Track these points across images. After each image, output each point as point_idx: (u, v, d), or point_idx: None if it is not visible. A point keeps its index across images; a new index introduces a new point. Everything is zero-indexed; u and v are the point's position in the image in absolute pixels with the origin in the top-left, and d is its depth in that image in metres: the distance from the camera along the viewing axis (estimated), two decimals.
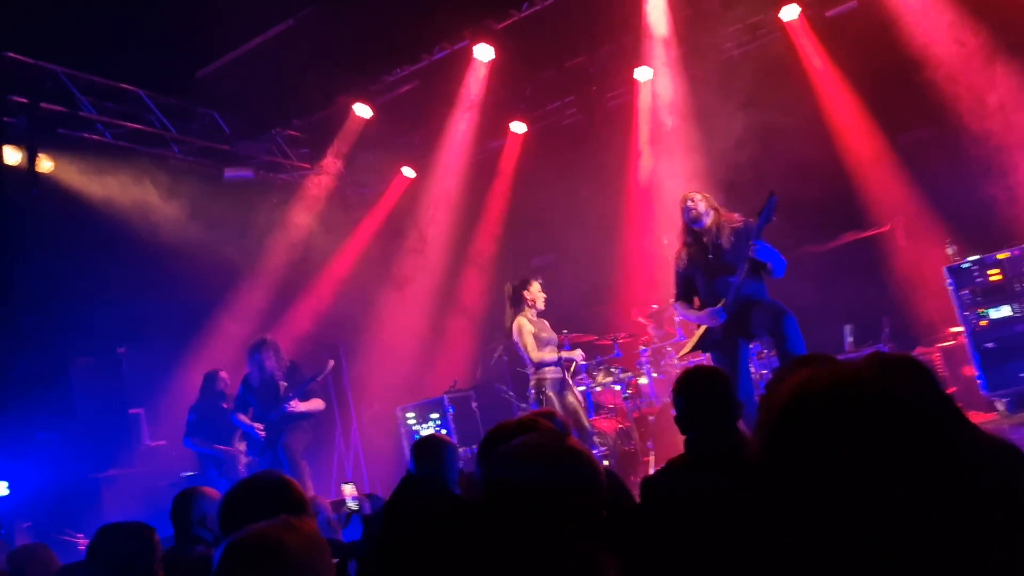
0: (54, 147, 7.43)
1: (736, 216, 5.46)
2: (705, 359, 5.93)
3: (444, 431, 8.31)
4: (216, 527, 2.85)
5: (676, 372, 7.27)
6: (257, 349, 7.30)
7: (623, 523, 2.37)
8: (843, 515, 0.98)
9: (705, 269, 5.39)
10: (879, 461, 0.98)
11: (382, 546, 3.30)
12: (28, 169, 7.11)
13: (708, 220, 5.38)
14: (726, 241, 5.31)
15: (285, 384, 7.23)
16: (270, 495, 2.19)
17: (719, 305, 5.24)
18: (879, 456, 0.98)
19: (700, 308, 5.47)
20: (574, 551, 1.48)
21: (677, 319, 7.45)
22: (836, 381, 1.05)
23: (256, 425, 7.18)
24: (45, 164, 7.32)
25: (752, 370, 6.25)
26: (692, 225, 5.41)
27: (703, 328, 5.44)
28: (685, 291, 5.57)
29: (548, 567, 1.47)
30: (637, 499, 2.79)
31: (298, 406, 7.14)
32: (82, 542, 6.32)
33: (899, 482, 0.97)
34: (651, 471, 6.48)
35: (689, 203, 5.43)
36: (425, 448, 3.70)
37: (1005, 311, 6.36)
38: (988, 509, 0.99)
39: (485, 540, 1.54)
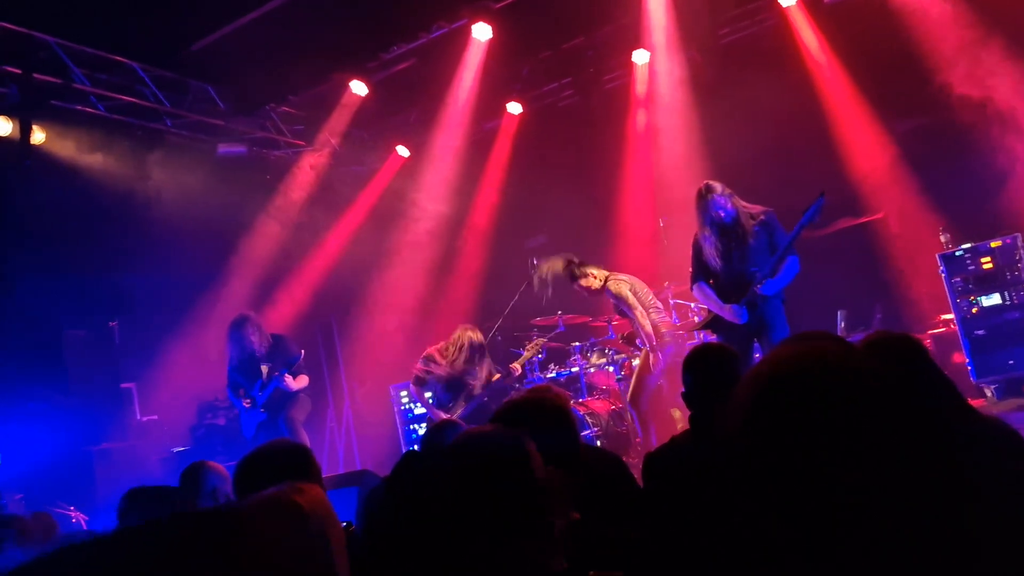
0: (47, 118, 7.33)
1: (757, 208, 5.51)
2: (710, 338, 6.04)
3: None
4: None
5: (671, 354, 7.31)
6: (239, 325, 7.21)
7: (629, 504, 2.41)
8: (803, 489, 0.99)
9: (729, 262, 5.46)
10: (842, 441, 0.98)
11: (384, 522, 3.32)
12: (20, 140, 7.04)
13: (734, 214, 5.42)
14: (752, 236, 5.38)
15: (267, 367, 7.14)
16: (287, 460, 2.20)
17: (743, 304, 5.36)
18: (841, 436, 0.98)
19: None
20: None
21: (672, 301, 7.48)
22: (803, 362, 1.05)
23: (245, 402, 7.17)
24: (37, 135, 7.25)
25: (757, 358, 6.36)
26: (718, 220, 5.43)
27: None
28: (704, 274, 5.65)
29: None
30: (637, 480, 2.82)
31: (291, 383, 7.06)
32: (74, 515, 6.33)
33: (876, 463, 0.97)
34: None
35: (718, 197, 5.41)
36: (439, 432, 3.78)
37: (996, 299, 6.44)
38: (984, 483, 1.00)
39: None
